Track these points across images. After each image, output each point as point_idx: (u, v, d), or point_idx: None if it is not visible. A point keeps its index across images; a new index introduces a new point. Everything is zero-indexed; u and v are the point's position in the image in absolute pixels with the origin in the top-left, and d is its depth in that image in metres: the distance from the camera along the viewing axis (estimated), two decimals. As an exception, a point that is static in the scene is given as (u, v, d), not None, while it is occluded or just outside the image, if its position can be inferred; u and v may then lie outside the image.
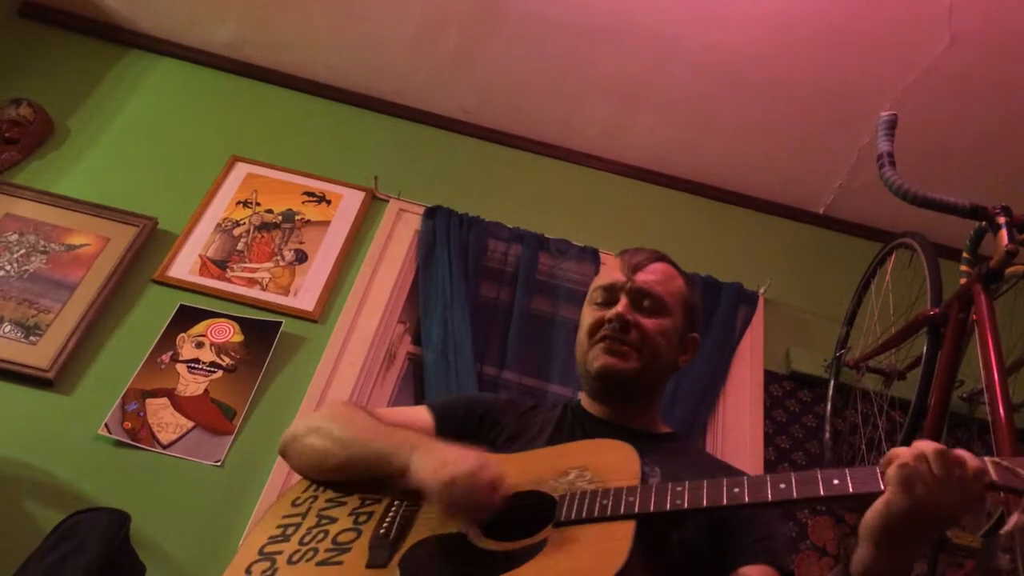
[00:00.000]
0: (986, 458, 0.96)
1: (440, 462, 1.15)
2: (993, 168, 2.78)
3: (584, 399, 1.50)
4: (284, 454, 1.41)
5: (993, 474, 0.94)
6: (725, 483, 1.04)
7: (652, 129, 2.97)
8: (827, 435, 2.46)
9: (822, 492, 0.98)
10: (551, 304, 2.62)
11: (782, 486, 1.00)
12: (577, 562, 1.00)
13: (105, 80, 2.97)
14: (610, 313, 1.42)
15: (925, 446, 0.96)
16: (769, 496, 1.00)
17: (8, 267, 2.40)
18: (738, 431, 2.45)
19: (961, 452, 0.96)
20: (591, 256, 2.70)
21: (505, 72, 2.91)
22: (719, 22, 2.60)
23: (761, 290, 2.75)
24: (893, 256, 2.40)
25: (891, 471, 0.96)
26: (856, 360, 2.45)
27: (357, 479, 1.29)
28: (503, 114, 3.05)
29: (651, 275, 1.46)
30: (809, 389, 2.63)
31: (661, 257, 1.52)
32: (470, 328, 2.42)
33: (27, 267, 2.41)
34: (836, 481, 0.98)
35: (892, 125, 1.97)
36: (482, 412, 1.47)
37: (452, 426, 1.44)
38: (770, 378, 2.62)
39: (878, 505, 0.97)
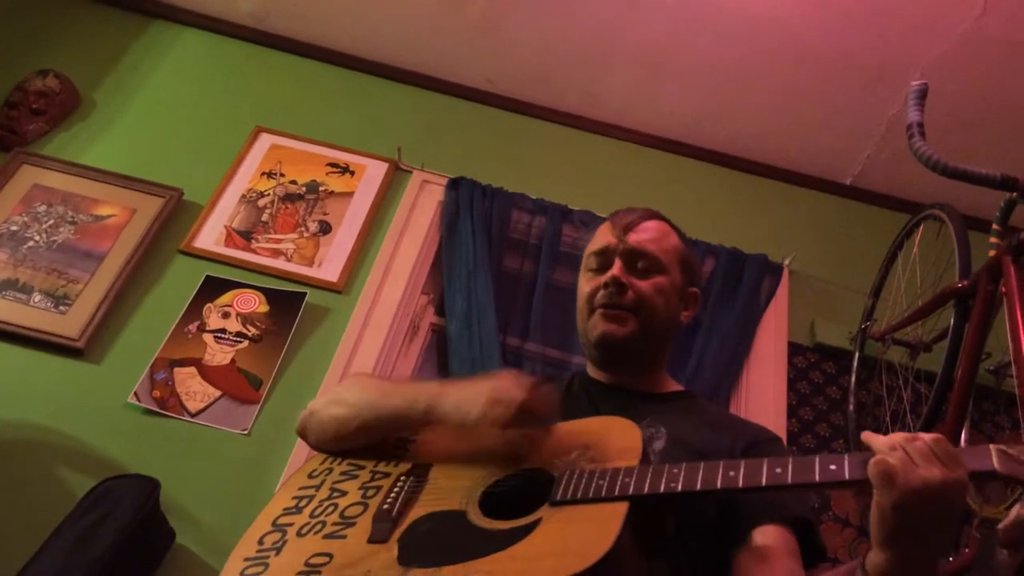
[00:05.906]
0: (991, 445, 0.91)
1: (477, 385, 1.19)
2: (1025, 138, 2.72)
3: (589, 367, 1.50)
4: (303, 432, 1.37)
5: (996, 463, 0.88)
6: (721, 466, 1.03)
7: (678, 99, 2.94)
8: (851, 407, 2.45)
9: (818, 478, 0.96)
10: (575, 276, 2.58)
11: (778, 470, 0.99)
12: (563, 544, 1.00)
13: (130, 51, 2.98)
14: (604, 277, 1.41)
15: (897, 437, 0.93)
16: (764, 481, 0.99)
17: (38, 237, 2.43)
18: (762, 402, 2.44)
19: (931, 434, 0.93)
20: (615, 227, 2.68)
21: (529, 41, 2.88)
22: (746, -11, 2.57)
23: (786, 261, 2.73)
24: (921, 227, 2.37)
25: (870, 469, 0.91)
26: (882, 332, 2.43)
27: (377, 440, 1.30)
28: (527, 84, 3.03)
29: (643, 234, 1.45)
30: (834, 361, 2.62)
31: (653, 215, 1.50)
32: (494, 299, 2.42)
33: (56, 237, 2.44)
34: (833, 467, 0.96)
35: (922, 95, 1.93)
36: None
37: None
38: (794, 350, 2.60)
39: (872, 505, 0.94)
